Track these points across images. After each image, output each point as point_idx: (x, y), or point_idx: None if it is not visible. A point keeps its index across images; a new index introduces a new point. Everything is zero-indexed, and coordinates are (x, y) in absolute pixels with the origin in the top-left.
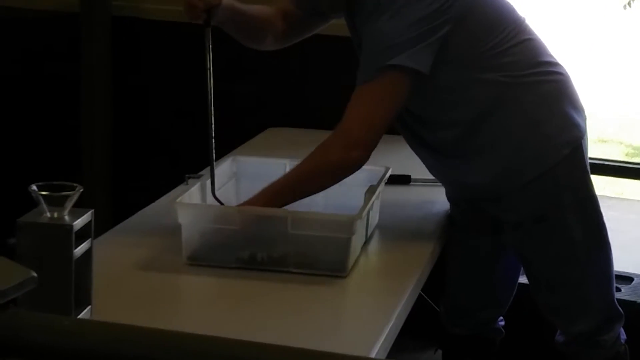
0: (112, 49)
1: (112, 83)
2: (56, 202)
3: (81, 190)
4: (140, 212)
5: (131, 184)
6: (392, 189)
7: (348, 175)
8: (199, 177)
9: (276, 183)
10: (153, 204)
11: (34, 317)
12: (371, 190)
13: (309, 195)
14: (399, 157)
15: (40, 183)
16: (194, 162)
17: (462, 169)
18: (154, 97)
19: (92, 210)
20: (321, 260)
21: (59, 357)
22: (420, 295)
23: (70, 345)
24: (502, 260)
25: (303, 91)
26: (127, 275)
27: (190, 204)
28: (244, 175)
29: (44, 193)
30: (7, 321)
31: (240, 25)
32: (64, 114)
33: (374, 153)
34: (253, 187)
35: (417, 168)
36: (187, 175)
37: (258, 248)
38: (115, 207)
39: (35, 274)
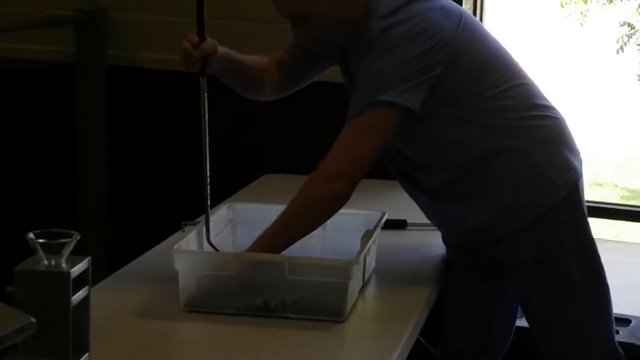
0: (107, 98)
1: (108, 131)
2: (53, 250)
3: (78, 238)
4: (137, 260)
5: (128, 231)
6: (389, 234)
7: (335, 210)
8: (195, 224)
9: (269, 230)
10: (150, 251)
11: None
12: (367, 235)
13: (303, 234)
14: (395, 202)
15: (37, 231)
16: (191, 209)
17: (460, 212)
18: (149, 144)
19: (89, 257)
20: (319, 305)
21: None
22: (418, 339)
23: None
24: (499, 303)
25: (299, 138)
26: (124, 322)
27: (187, 251)
28: (240, 221)
29: (41, 241)
30: None
31: (236, 75)
32: (60, 163)
33: (370, 198)
34: (249, 233)
35: (413, 213)
36: (183, 222)
37: (255, 294)
38: (111, 254)
39: (33, 320)
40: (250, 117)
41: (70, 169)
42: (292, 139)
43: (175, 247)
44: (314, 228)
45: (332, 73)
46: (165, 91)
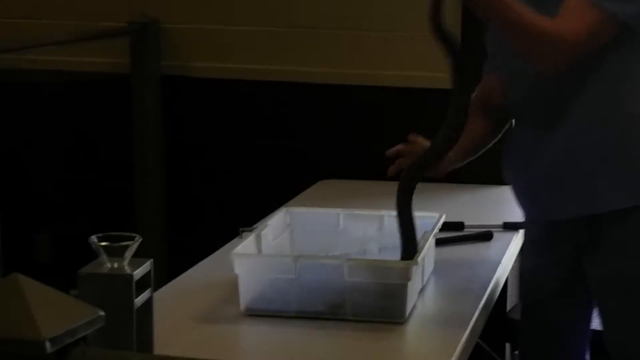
0: (162, 108)
1: (164, 140)
2: (116, 253)
3: (140, 240)
4: (196, 266)
5: (185, 239)
6: (446, 235)
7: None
8: (252, 230)
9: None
10: (209, 257)
11: (104, 353)
12: (426, 237)
13: (518, 34)
14: (452, 204)
15: (99, 234)
16: (247, 215)
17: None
18: (204, 152)
19: (152, 259)
20: (378, 307)
21: None
22: (477, 343)
23: None
24: (574, 307)
25: (355, 143)
26: (185, 326)
27: (247, 254)
28: (297, 226)
29: (104, 244)
30: (78, 358)
31: (479, 146)
32: (117, 173)
33: (428, 200)
34: (307, 238)
35: (470, 215)
36: (241, 228)
37: (315, 297)
38: (170, 262)
39: (102, 313)
40: (305, 122)
41: (127, 179)
42: (348, 144)
43: (235, 251)
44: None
45: (386, 77)
46: (219, 99)
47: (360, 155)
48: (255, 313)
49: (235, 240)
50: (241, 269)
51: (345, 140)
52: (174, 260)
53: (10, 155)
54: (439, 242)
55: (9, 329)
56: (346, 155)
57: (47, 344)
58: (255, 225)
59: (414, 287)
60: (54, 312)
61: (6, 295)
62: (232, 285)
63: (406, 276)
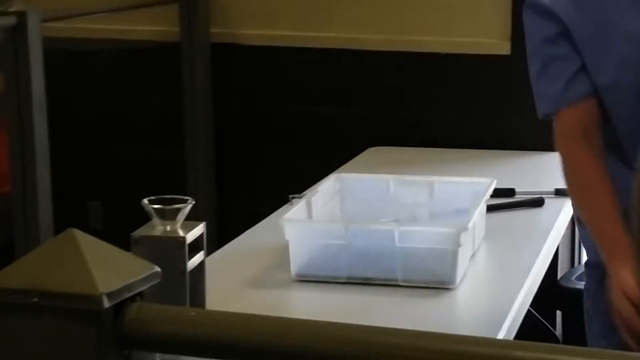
0: (212, 75)
1: (213, 108)
2: (168, 216)
3: (193, 203)
4: (247, 232)
5: (235, 207)
6: (497, 202)
7: None
8: (302, 197)
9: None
10: (259, 223)
11: (161, 309)
12: (477, 203)
13: None
14: (503, 170)
15: (152, 197)
16: (296, 182)
17: None
18: (254, 120)
19: (204, 222)
20: (429, 273)
21: (187, 348)
22: (529, 311)
23: (197, 335)
24: None
25: (404, 110)
26: (236, 291)
27: (298, 220)
28: (347, 193)
29: (156, 207)
30: (135, 314)
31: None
32: (167, 142)
33: (478, 166)
34: (357, 204)
35: (521, 181)
36: (290, 195)
37: (365, 262)
38: (219, 230)
39: (159, 269)
40: (354, 89)
41: (177, 147)
42: (397, 111)
43: (285, 217)
44: None
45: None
46: (268, 67)
47: (409, 123)
48: (306, 279)
49: (285, 207)
50: (292, 234)
51: (394, 107)
52: (223, 227)
53: (62, 125)
54: (490, 209)
55: (67, 284)
56: (395, 122)
57: (104, 299)
58: (304, 192)
59: (464, 253)
60: (111, 267)
61: (63, 250)
62: (283, 251)
63: (457, 242)
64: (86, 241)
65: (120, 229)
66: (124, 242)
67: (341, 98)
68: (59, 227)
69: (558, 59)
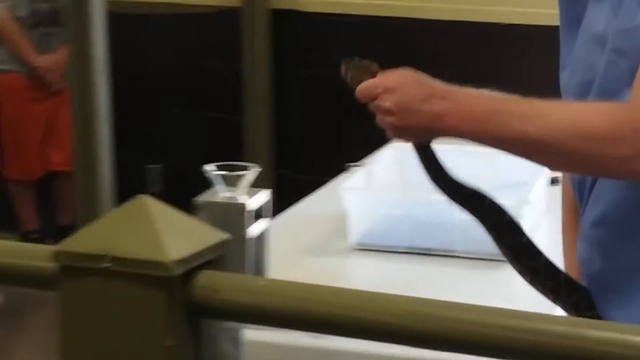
0: (272, 42)
1: (273, 75)
2: (233, 182)
3: (258, 170)
4: (305, 200)
5: (291, 175)
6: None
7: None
8: (360, 165)
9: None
10: (317, 191)
11: (230, 277)
12: (537, 175)
13: (538, 162)
14: None
15: (216, 163)
16: (353, 151)
17: None
18: (313, 88)
19: (271, 189)
20: (488, 245)
21: (256, 317)
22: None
23: (266, 305)
24: None
25: (468, 78)
26: (296, 259)
27: (358, 189)
28: (407, 162)
29: (221, 173)
30: (204, 281)
31: None
32: (226, 108)
33: None
34: (417, 174)
35: None
36: (347, 164)
37: (424, 232)
38: (275, 197)
39: (228, 237)
40: (412, 58)
41: (236, 113)
42: (459, 81)
43: (345, 186)
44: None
45: (498, 13)
46: (329, 34)
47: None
48: (365, 248)
49: (343, 175)
50: (352, 203)
51: (456, 78)
52: (279, 195)
53: (122, 88)
54: (552, 182)
55: (137, 250)
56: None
57: (175, 266)
58: (362, 161)
59: (524, 225)
60: (181, 235)
61: (134, 217)
62: (340, 219)
63: (517, 214)
64: (156, 207)
65: (178, 192)
66: (182, 205)
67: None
68: (119, 189)
69: None
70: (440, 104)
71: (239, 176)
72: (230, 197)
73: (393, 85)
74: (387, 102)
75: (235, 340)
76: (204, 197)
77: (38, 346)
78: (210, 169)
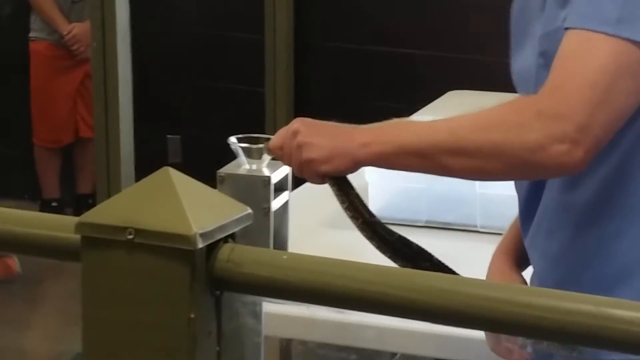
0: (294, 12)
1: (294, 46)
2: (255, 155)
3: None
4: None
5: None
6: None
7: (541, 177)
8: None
9: (425, 129)
10: None
11: (253, 251)
12: None
13: (451, 172)
14: None
15: (239, 135)
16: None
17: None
18: (333, 58)
19: None
20: (508, 220)
21: (278, 291)
22: None
23: (289, 279)
24: None
25: (486, 52)
26: (315, 231)
27: None
28: None
29: (244, 145)
30: (227, 255)
31: None
32: (247, 79)
33: None
34: None
35: None
36: None
37: (445, 207)
38: None
39: (251, 211)
40: (433, 31)
41: (257, 84)
42: (478, 53)
43: None
44: (473, 177)
45: None
46: (353, 5)
47: (489, 67)
48: (385, 221)
49: None
50: (372, 176)
51: (473, 51)
52: None
53: (143, 60)
54: None
55: (161, 223)
56: (476, 66)
57: (198, 239)
58: None
59: None
60: (205, 208)
61: (158, 189)
62: (361, 192)
63: None
64: (180, 180)
65: (199, 163)
66: (202, 176)
67: (421, 40)
68: (139, 159)
69: None
70: (347, 126)
71: (262, 149)
72: (254, 170)
73: (297, 124)
74: (295, 130)
75: (257, 314)
76: (227, 169)
77: (56, 316)
78: (233, 140)
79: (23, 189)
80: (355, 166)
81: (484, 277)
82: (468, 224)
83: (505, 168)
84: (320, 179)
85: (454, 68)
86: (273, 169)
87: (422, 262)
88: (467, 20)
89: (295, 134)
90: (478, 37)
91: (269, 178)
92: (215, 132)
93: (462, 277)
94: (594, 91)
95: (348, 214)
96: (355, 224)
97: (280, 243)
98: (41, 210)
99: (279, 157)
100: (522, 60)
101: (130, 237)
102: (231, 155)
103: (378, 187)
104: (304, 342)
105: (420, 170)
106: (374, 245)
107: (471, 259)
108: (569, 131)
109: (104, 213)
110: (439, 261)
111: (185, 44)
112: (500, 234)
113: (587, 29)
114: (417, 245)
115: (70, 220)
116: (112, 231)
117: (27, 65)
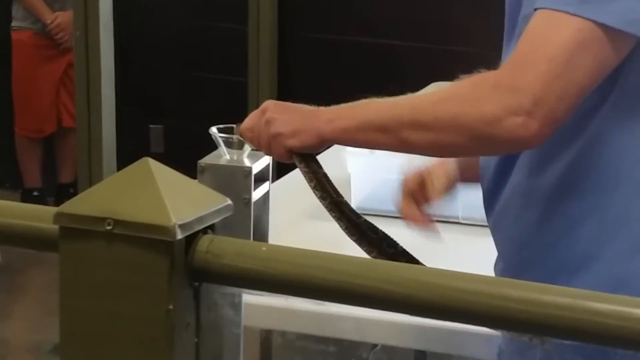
0: (278, 3)
1: (278, 36)
2: (236, 145)
3: None
4: None
5: None
6: None
7: (499, 152)
8: None
9: (384, 106)
10: (320, 155)
11: (232, 242)
12: None
13: (409, 144)
14: None
15: (220, 125)
16: None
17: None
18: (319, 48)
19: None
20: None
21: (257, 283)
22: None
23: (268, 271)
24: None
25: (468, 44)
26: (297, 222)
27: (361, 153)
28: None
29: (224, 135)
30: (206, 246)
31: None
32: (230, 69)
33: None
34: None
35: None
36: None
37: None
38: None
39: (231, 202)
40: (417, 22)
41: (240, 74)
42: (462, 44)
43: (348, 149)
44: (433, 151)
45: None
46: None
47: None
48: (367, 212)
49: None
50: (354, 167)
51: (457, 42)
52: None
53: (126, 50)
54: None
55: (140, 213)
56: (460, 58)
57: (177, 230)
58: None
59: None
60: (184, 198)
61: (137, 180)
62: (343, 183)
63: None
64: (160, 170)
65: (181, 153)
66: (185, 166)
67: (406, 31)
68: (121, 148)
69: None
70: (311, 107)
71: (242, 140)
72: (234, 160)
73: (266, 103)
74: (264, 107)
75: (236, 305)
76: (208, 160)
77: (37, 305)
78: (214, 131)
79: (4, 178)
80: (321, 142)
81: (465, 270)
82: (450, 216)
83: (463, 141)
84: (287, 154)
85: (438, 59)
86: (254, 159)
87: (387, 249)
88: (451, 12)
89: (264, 111)
90: (462, 28)
91: (249, 169)
92: (198, 122)
93: (439, 269)
94: (550, 64)
95: (316, 194)
96: (323, 204)
97: (261, 234)
98: (22, 200)
99: (249, 139)
100: (512, 49)
101: (109, 227)
102: (214, 146)
103: (360, 178)
104: (283, 334)
105: (384, 147)
106: (341, 226)
107: (452, 251)
108: (524, 103)
109: (83, 204)
110: (404, 249)
111: (169, 34)
112: (482, 226)
113: (551, 9)
114: (382, 232)
115: (49, 210)
116: (90, 222)
117: (9, 55)
